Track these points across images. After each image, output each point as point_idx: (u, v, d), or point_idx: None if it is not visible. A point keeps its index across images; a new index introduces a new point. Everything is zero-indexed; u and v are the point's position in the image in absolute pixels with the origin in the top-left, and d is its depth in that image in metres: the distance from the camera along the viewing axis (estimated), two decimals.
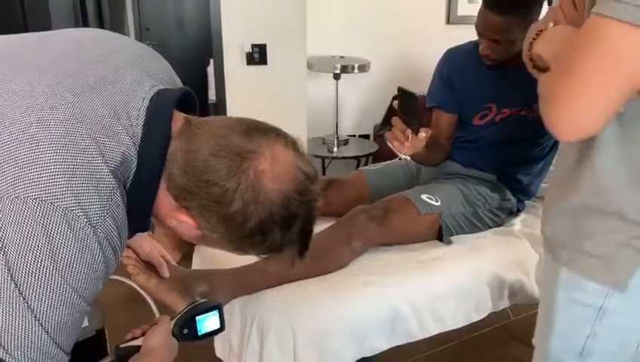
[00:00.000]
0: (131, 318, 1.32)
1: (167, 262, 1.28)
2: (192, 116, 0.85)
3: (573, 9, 0.93)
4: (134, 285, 1.21)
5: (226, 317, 1.31)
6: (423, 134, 1.54)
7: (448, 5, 3.70)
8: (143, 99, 0.80)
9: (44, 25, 2.60)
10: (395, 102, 1.58)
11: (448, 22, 3.72)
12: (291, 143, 0.82)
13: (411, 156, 1.64)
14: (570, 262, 0.94)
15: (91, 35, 0.93)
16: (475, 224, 1.77)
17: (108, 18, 3.44)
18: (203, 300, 1.02)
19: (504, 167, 1.85)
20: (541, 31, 0.94)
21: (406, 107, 1.55)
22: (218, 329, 1.01)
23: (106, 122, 0.74)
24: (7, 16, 2.69)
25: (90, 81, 0.77)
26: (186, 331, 0.97)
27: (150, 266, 1.26)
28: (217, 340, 1.51)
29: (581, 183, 0.90)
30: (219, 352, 1.53)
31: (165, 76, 0.90)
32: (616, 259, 0.88)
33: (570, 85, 0.75)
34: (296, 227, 0.83)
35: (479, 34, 1.72)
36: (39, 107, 0.71)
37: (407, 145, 1.54)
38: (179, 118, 0.82)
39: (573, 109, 0.76)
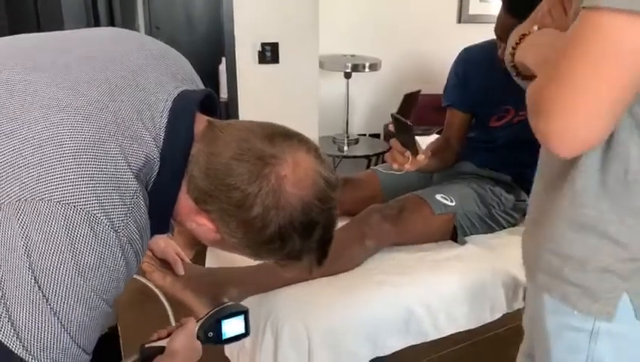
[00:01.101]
0: (144, 316, 1.32)
1: (182, 259, 1.28)
2: (214, 119, 0.85)
3: (563, 14, 0.87)
4: (149, 283, 1.21)
5: None
6: (422, 156, 1.54)
7: (460, 4, 3.69)
8: (166, 100, 0.79)
9: (57, 22, 2.61)
10: (391, 126, 1.58)
11: (460, 21, 3.72)
12: (313, 150, 0.81)
13: (416, 170, 1.64)
14: (549, 288, 0.87)
15: (111, 34, 0.93)
16: (489, 224, 1.76)
17: (119, 16, 3.44)
18: (230, 303, 1.01)
19: (520, 168, 1.83)
20: (524, 35, 0.86)
21: (401, 133, 1.56)
22: (242, 334, 1.00)
23: (130, 124, 0.74)
24: (21, 13, 2.70)
25: (114, 82, 0.77)
26: (210, 334, 0.96)
27: (165, 264, 1.26)
28: None
29: (560, 192, 0.83)
30: (228, 352, 1.53)
31: (186, 75, 0.89)
32: (598, 288, 0.81)
33: (563, 93, 0.66)
34: (316, 234, 0.82)
35: (498, 37, 1.70)
36: (63, 108, 0.71)
37: (407, 166, 1.54)
38: (201, 120, 0.82)
39: (569, 121, 0.66)
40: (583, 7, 0.65)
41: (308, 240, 0.82)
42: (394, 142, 1.58)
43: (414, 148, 1.54)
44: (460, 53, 1.93)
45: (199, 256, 1.69)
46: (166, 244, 1.26)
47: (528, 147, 1.76)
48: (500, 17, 1.66)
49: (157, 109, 0.77)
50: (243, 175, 0.76)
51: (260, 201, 0.76)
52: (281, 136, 0.80)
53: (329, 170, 0.82)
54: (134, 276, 1.16)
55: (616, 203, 0.78)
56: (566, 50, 0.67)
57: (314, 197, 0.79)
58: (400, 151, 1.56)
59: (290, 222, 0.78)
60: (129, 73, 0.80)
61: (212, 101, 0.89)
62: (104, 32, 0.95)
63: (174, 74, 0.86)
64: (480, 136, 1.89)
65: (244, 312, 1.00)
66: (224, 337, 0.98)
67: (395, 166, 1.58)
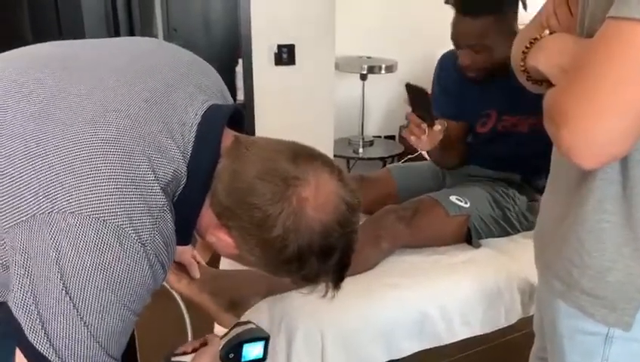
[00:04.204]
0: (160, 316, 1.33)
1: (198, 262, 1.29)
2: (241, 135, 0.86)
3: (569, 15, 0.87)
4: (165, 285, 1.22)
5: (253, 316, 1.32)
6: (438, 127, 1.55)
7: None
8: (195, 114, 0.80)
9: (77, 24, 2.64)
10: (406, 99, 1.58)
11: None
12: (337, 172, 0.82)
13: (428, 153, 1.64)
14: (565, 297, 0.87)
15: (145, 46, 0.94)
16: (504, 227, 1.75)
17: (138, 18, 3.48)
18: (252, 325, 1.03)
19: (526, 169, 1.81)
20: (535, 39, 0.86)
21: (417, 102, 1.55)
22: (260, 358, 1.02)
23: (159, 138, 0.75)
24: (42, 15, 2.74)
25: (145, 95, 0.78)
26: (231, 356, 0.99)
27: (181, 266, 1.27)
28: None
29: (578, 200, 0.82)
30: None
31: (216, 89, 0.90)
32: (616, 299, 0.81)
33: (589, 103, 0.65)
34: (333, 258, 0.82)
35: (455, 44, 1.68)
36: (96, 122, 0.72)
37: (423, 138, 1.54)
38: (228, 136, 0.83)
39: (595, 133, 0.65)
40: (610, 17, 0.64)
41: (325, 263, 0.82)
42: (410, 114, 1.58)
43: (430, 119, 1.53)
44: (438, 60, 1.89)
45: (214, 259, 1.70)
46: (182, 248, 1.27)
47: (525, 157, 1.75)
48: (454, 21, 1.64)
49: (186, 124, 0.79)
50: (265, 195, 0.77)
51: (280, 223, 0.77)
52: (305, 157, 0.81)
53: (351, 193, 0.82)
54: None
55: (635, 209, 0.77)
56: (591, 60, 0.66)
57: (334, 222, 0.79)
58: (416, 123, 1.55)
59: (309, 245, 0.79)
60: (161, 87, 0.81)
61: (239, 115, 0.90)
62: (140, 43, 0.96)
63: (205, 88, 0.87)
64: (476, 140, 1.87)
65: (266, 338, 1.02)
66: (243, 360, 1.00)
67: (413, 139, 1.57)
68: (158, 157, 0.74)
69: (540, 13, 0.95)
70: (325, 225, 0.78)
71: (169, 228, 0.75)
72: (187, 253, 1.28)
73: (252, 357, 1.01)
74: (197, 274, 1.27)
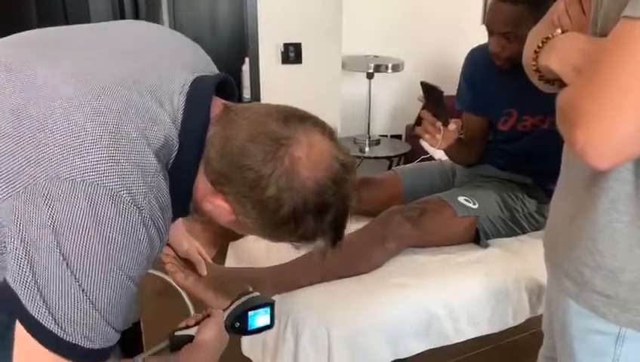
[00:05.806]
0: (167, 313, 1.34)
1: (205, 259, 1.29)
2: (230, 103, 0.86)
3: (581, 13, 0.86)
4: (172, 282, 1.22)
5: None
6: (453, 125, 1.53)
7: (484, 4, 3.65)
8: (184, 84, 0.81)
9: (84, 18, 2.65)
10: (420, 96, 1.57)
11: (484, 21, 3.67)
12: (329, 132, 0.82)
13: (445, 150, 1.62)
14: (576, 297, 0.87)
15: (137, 27, 0.96)
16: (512, 228, 1.73)
17: (144, 14, 3.50)
18: (256, 294, 1.02)
19: (538, 171, 1.80)
20: (547, 38, 0.85)
21: (432, 101, 1.53)
22: (267, 326, 1.01)
23: (149, 107, 0.76)
24: (50, 14, 2.76)
25: (135, 68, 0.80)
26: (237, 325, 0.97)
27: (188, 264, 1.27)
28: (245, 338, 1.50)
29: (591, 200, 0.81)
30: (245, 350, 1.53)
31: (204, 66, 0.91)
32: (629, 299, 0.81)
33: (603, 103, 0.64)
34: (329, 216, 0.82)
35: (489, 30, 1.68)
36: (86, 93, 0.73)
37: (438, 137, 1.53)
38: (218, 104, 0.83)
39: (610, 133, 0.64)
40: (625, 16, 0.64)
41: (322, 221, 0.82)
42: (424, 112, 1.56)
43: (445, 118, 1.51)
44: (466, 55, 1.89)
45: (219, 255, 1.70)
46: (189, 245, 1.27)
47: (542, 156, 1.74)
48: (491, 6, 1.65)
49: (175, 93, 0.79)
50: (257, 156, 0.77)
51: (273, 182, 0.77)
52: (296, 118, 0.81)
53: (344, 152, 0.82)
54: (160, 274, 1.19)
55: None
56: (606, 59, 0.66)
57: (328, 179, 0.79)
58: (431, 121, 1.53)
59: (303, 203, 0.79)
60: (150, 61, 0.82)
61: (229, 86, 0.90)
62: (132, 25, 0.98)
63: (193, 63, 0.88)
64: (496, 138, 1.86)
65: (271, 304, 1.01)
66: (250, 328, 0.99)
67: (427, 137, 1.56)
68: (148, 124, 0.74)
69: (551, 12, 0.94)
70: (319, 182, 0.78)
71: (164, 192, 0.75)
72: (194, 251, 1.27)
73: (259, 325, 0.99)
74: (204, 272, 1.27)
